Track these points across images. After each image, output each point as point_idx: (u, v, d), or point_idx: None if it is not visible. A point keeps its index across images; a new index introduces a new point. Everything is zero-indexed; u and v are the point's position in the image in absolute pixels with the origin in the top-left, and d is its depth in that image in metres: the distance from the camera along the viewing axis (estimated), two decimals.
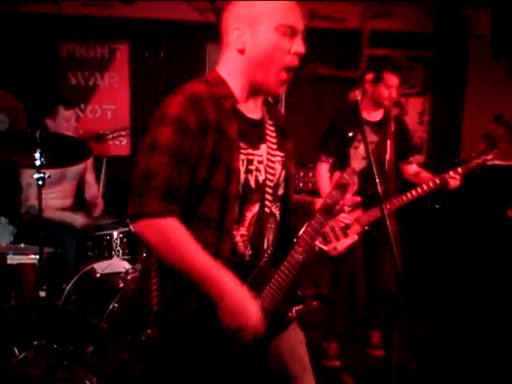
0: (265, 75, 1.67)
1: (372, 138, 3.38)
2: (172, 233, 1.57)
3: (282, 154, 1.81)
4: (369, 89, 3.39)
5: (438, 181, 3.29)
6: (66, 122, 3.95)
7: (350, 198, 1.72)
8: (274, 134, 1.80)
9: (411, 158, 3.63)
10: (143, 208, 1.56)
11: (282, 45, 1.65)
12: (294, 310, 1.86)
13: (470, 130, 5.43)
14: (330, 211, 1.71)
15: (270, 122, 1.82)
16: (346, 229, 1.78)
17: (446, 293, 4.45)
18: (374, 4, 5.18)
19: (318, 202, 1.79)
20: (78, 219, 3.88)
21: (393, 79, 3.37)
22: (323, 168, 3.47)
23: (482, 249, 4.33)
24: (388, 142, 3.40)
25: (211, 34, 4.93)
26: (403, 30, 5.33)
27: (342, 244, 1.77)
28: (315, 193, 3.38)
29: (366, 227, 3.26)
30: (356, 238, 1.81)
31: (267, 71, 1.67)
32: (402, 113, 5.56)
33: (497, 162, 4.24)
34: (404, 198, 3.31)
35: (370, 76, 3.34)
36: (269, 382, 1.80)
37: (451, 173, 3.26)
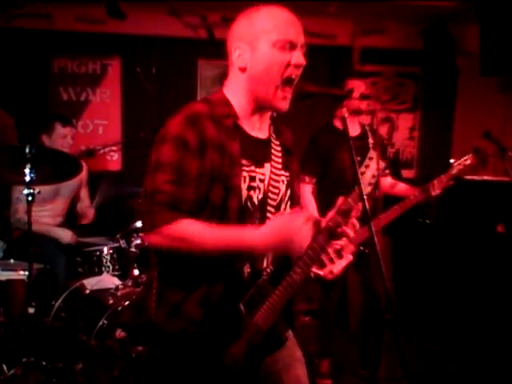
0: (266, 91, 1.70)
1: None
2: (185, 232, 1.60)
3: (286, 174, 1.83)
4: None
5: (421, 191, 3.33)
6: (61, 138, 3.95)
7: (354, 222, 1.71)
8: (279, 154, 1.82)
9: (386, 170, 3.66)
10: (153, 223, 1.60)
11: (281, 59, 1.68)
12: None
13: (459, 146, 5.46)
14: (332, 234, 1.70)
15: (277, 142, 1.84)
16: (339, 250, 1.75)
17: (436, 309, 4.44)
18: (364, 21, 5.23)
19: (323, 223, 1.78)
20: (65, 236, 3.85)
21: (356, 84, 3.44)
22: (307, 189, 3.44)
23: (471, 264, 4.33)
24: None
25: (202, 50, 5.02)
26: (393, 47, 5.38)
27: (338, 266, 1.74)
28: None
29: (361, 247, 3.23)
30: (351, 258, 1.77)
31: (268, 87, 1.69)
32: (393, 128, 5.62)
33: (486, 178, 4.28)
34: (391, 213, 3.32)
35: (357, 93, 3.37)
36: None
37: (435, 182, 3.32)
